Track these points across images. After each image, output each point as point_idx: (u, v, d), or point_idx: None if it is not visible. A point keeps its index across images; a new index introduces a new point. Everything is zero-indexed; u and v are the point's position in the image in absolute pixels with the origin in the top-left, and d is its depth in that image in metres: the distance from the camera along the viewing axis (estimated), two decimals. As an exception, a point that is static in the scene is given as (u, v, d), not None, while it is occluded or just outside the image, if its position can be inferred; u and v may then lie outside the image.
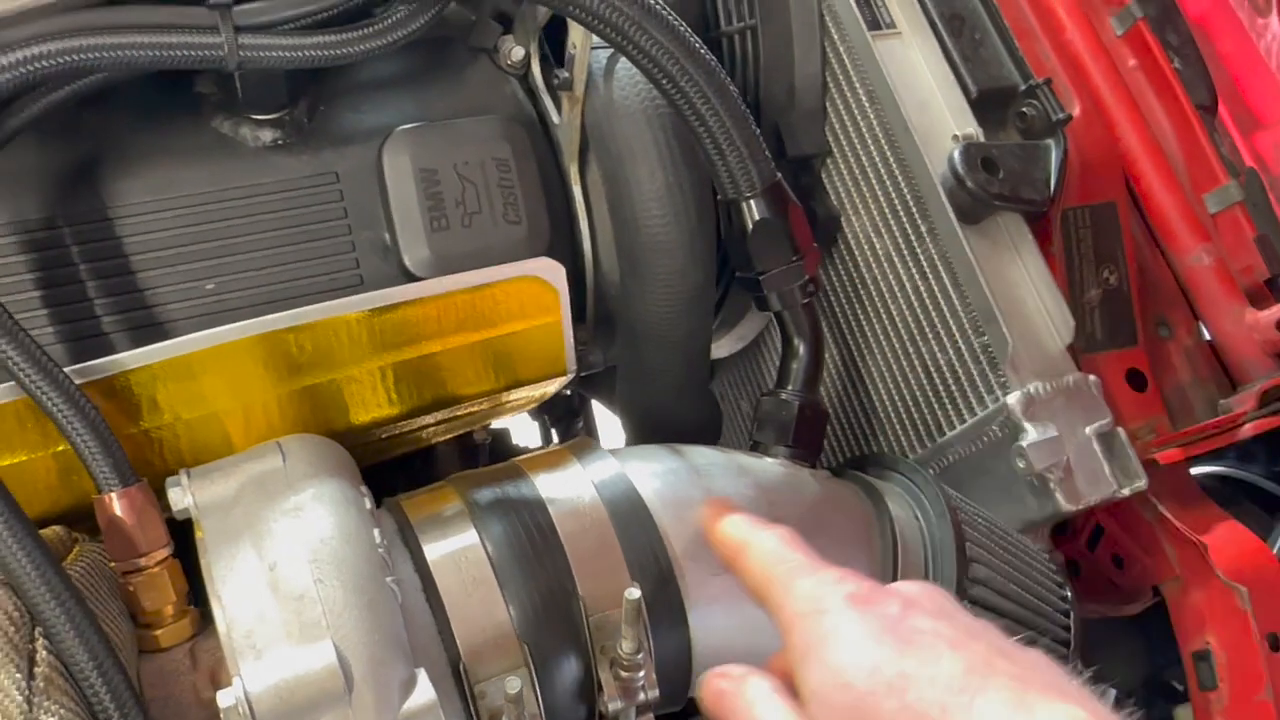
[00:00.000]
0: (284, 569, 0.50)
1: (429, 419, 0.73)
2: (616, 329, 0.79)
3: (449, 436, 0.85)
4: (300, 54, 0.61)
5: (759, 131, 0.67)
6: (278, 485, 0.54)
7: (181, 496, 0.54)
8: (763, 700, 0.49)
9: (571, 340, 0.71)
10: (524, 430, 1.24)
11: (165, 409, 0.62)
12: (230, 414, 0.64)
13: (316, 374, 0.66)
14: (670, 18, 0.62)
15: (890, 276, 0.84)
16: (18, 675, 0.47)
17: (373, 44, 0.63)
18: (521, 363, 0.71)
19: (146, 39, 0.57)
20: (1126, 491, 0.75)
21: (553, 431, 1.20)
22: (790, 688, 0.48)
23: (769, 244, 0.70)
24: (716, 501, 0.57)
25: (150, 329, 0.64)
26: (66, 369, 0.56)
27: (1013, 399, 0.75)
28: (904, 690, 0.43)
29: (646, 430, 0.85)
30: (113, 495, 0.54)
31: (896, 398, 0.86)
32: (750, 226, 0.69)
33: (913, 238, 0.82)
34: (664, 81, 0.63)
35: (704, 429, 0.86)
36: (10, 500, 0.50)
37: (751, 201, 0.68)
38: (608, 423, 1.22)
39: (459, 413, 0.75)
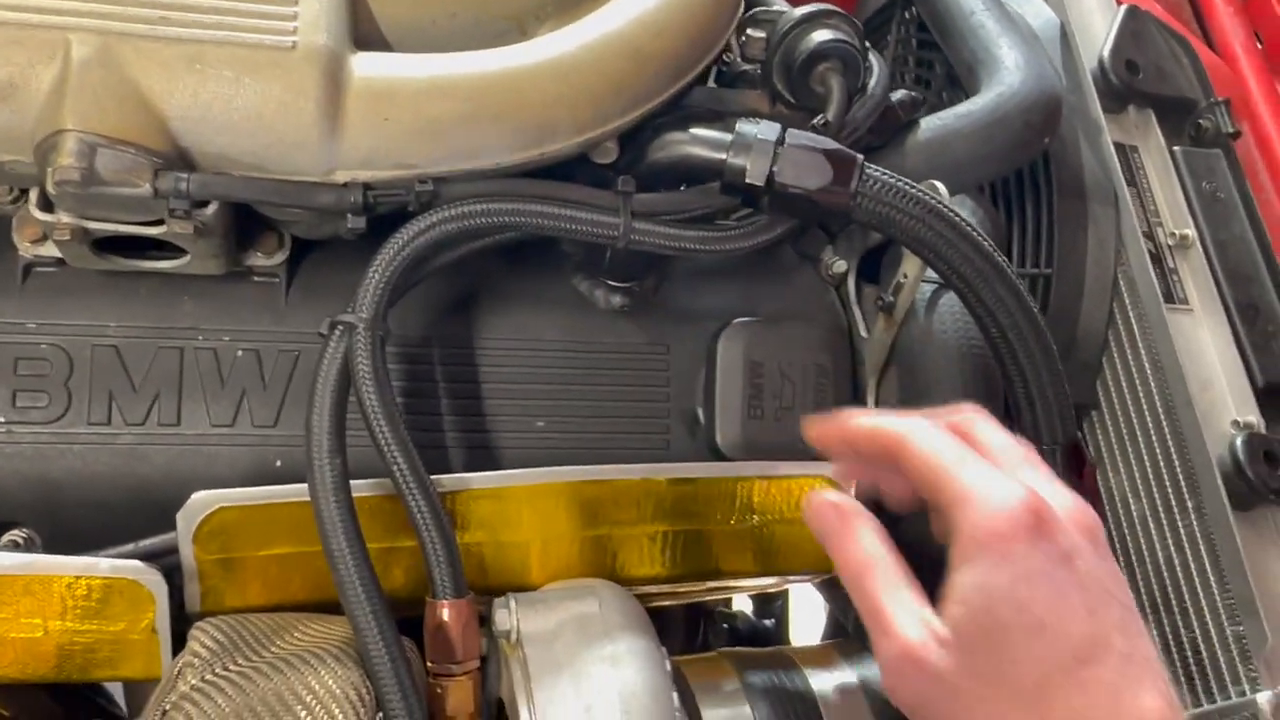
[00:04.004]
0: (599, 713, 0.54)
1: (682, 586, 0.77)
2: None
3: (681, 603, 0.89)
4: (677, 244, 0.68)
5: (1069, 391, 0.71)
6: (595, 630, 0.58)
7: (507, 619, 0.59)
8: (875, 553, 0.53)
9: (846, 543, 0.74)
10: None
11: (482, 528, 0.68)
12: (532, 545, 0.69)
13: (610, 526, 0.71)
14: (1013, 276, 0.67)
15: (1143, 540, 0.85)
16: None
17: (737, 245, 0.69)
18: (792, 555, 0.75)
19: (562, 211, 0.65)
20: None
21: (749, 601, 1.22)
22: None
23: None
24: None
25: (482, 451, 0.71)
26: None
27: (1263, 698, 0.74)
28: (1036, 638, 0.48)
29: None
30: (446, 602, 0.60)
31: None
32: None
33: (1175, 509, 0.83)
34: (994, 332, 0.67)
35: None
36: (380, 593, 0.56)
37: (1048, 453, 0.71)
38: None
39: (711, 585, 0.78)
